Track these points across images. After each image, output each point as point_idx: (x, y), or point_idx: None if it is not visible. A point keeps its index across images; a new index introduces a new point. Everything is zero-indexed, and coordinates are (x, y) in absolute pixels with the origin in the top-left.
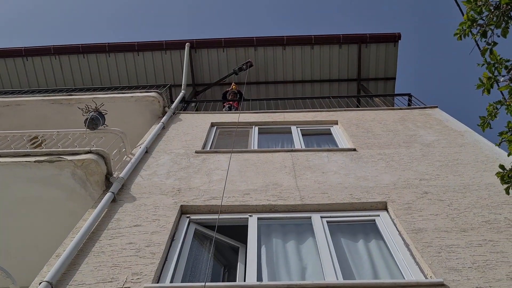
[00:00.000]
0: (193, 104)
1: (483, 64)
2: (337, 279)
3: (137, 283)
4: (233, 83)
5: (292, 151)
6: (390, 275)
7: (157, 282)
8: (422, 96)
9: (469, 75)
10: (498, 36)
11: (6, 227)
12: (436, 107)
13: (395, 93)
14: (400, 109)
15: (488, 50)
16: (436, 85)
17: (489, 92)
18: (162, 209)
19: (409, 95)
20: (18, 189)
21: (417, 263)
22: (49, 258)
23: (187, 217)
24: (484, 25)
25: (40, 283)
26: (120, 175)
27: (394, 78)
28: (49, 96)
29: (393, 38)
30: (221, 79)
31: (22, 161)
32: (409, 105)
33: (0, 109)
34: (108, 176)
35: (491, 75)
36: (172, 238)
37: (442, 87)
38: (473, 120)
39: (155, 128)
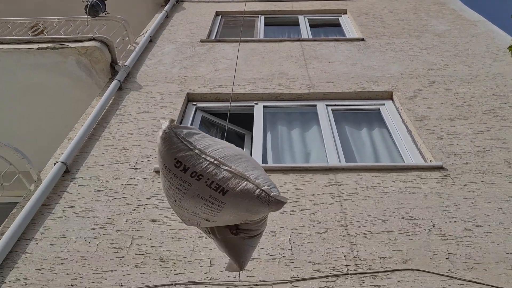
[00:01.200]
0: None
1: None
2: (340, 162)
3: (147, 165)
4: None
5: (299, 40)
6: (391, 159)
7: None
8: None
9: None
10: None
11: (16, 113)
12: None
13: None
14: None
15: None
16: None
17: None
18: (168, 97)
19: None
20: (24, 76)
21: (418, 149)
22: (60, 143)
23: (194, 104)
24: None
25: (55, 163)
26: (125, 64)
27: None
28: None
29: None
30: None
31: (25, 48)
32: None
33: None
34: (113, 64)
35: None
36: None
37: None
38: (488, 9)
39: (158, 16)
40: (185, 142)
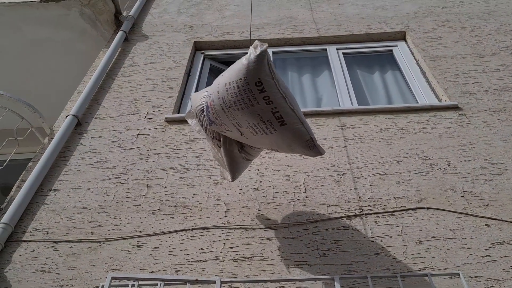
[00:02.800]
0: None
1: None
2: (352, 105)
3: (159, 115)
4: None
5: None
6: (404, 101)
7: (177, 113)
8: None
9: None
10: None
11: (23, 68)
12: None
13: None
14: None
15: None
16: None
17: None
18: (176, 46)
19: None
20: (28, 31)
21: (433, 89)
22: (69, 97)
23: (202, 53)
24: None
25: (67, 116)
26: (130, 14)
27: None
28: None
29: None
30: None
31: (28, 1)
32: None
33: None
34: (118, 15)
35: None
36: (188, 74)
37: None
38: None
39: None
40: (271, 69)
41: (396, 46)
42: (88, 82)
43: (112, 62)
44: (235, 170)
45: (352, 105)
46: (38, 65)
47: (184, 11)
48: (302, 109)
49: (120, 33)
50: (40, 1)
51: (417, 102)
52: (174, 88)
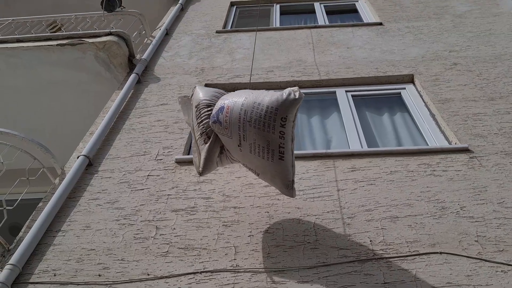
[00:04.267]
0: None
1: None
2: (362, 147)
3: (169, 156)
4: None
5: (315, 27)
6: (414, 143)
7: (188, 154)
8: None
9: None
10: None
11: (39, 108)
12: None
13: None
14: None
15: None
16: None
17: None
18: (186, 88)
19: None
20: (44, 73)
21: (442, 132)
22: (82, 137)
23: None
24: None
25: (78, 157)
26: (143, 57)
27: None
28: None
29: None
30: None
31: (45, 45)
32: None
33: None
34: (131, 58)
35: None
36: None
37: None
38: None
39: (173, 9)
40: (296, 114)
41: (405, 88)
42: (100, 123)
43: (124, 104)
44: (206, 168)
45: (362, 147)
46: (52, 105)
47: (196, 54)
48: (312, 151)
49: (133, 76)
50: (57, 45)
51: (427, 145)
52: (184, 129)
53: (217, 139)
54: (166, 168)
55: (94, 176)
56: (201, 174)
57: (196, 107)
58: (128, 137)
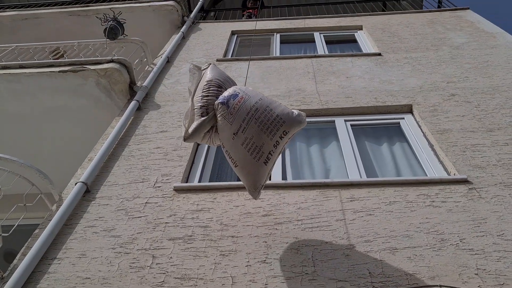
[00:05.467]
0: (212, 14)
1: None
2: (361, 177)
3: (167, 183)
4: None
5: (315, 57)
6: (413, 173)
7: (186, 182)
8: None
9: None
10: None
11: (38, 134)
12: (468, 8)
13: None
14: (429, 11)
15: None
16: None
17: None
18: None
19: None
20: (45, 99)
21: (441, 162)
22: (81, 163)
23: None
24: None
25: (76, 183)
26: (144, 84)
27: None
28: (66, 8)
29: None
30: None
31: (47, 72)
32: (439, 7)
33: (19, 23)
34: (132, 85)
35: None
36: (198, 143)
37: None
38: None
39: (175, 37)
40: (296, 133)
41: (403, 118)
42: (99, 150)
43: (124, 130)
44: (192, 137)
45: (361, 177)
46: (52, 131)
47: None
48: (311, 180)
49: (133, 103)
50: (59, 72)
51: (426, 175)
52: (183, 156)
53: (213, 118)
54: (164, 195)
55: (92, 203)
56: (185, 140)
57: (207, 81)
58: (127, 164)
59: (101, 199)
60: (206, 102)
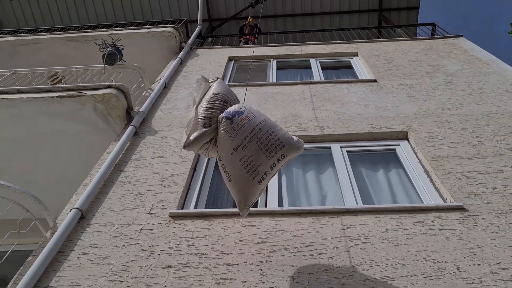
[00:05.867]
0: (209, 40)
1: None
2: (357, 204)
3: (163, 210)
4: (250, 17)
5: (311, 83)
6: (409, 200)
7: (182, 209)
8: (447, 26)
9: (496, 3)
10: None
11: (35, 159)
12: (461, 36)
13: (418, 23)
14: (423, 39)
15: None
16: (461, 14)
17: None
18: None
19: (433, 24)
20: (43, 124)
21: (437, 189)
22: (76, 188)
23: None
24: None
25: (71, 210)
26: (141, 109)
27: (418, 8)
28: (65, 34)
29: None
30: (237, 13)
31: (45, 97)
32: (432, 35)
33: (18, 48)
34: (129, 110)
35: None
36: (194, 168)
37: (468, 16)
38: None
39: (173, 63)
40: (291, 158)
41: (399, 145)
42: (95, 175)
43: (120, 156)
44: (192, 146)
45: (357, 203)
46: (48, 156)
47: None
48: (307, 207)
49: (130, 128)
50: (56, 97)
51: (422, 202)
52: (179, 182)
53: (214, 131)
54: (160, 222)
55: (86, 229)
56: (185, 147)
57: (214, 94)
58: (123, 189)
59: (96, 225)
60: (210, 114)
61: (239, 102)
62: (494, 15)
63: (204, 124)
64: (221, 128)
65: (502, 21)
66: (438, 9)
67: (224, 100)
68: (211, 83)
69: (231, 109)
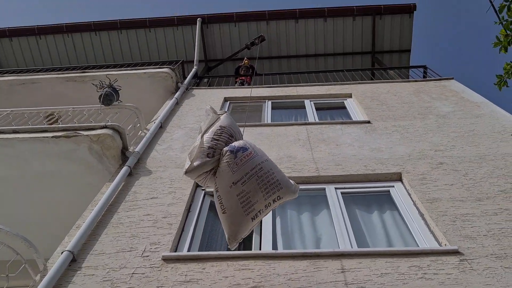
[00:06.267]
0: (205, 80)
1: (500, 22)
2: (352, 247)
3: (156, 252)
4: (245, 58)
5: (306, 124)
6: (404, 243)
7: (175, 251)
8: (438, 68)
9: (485, 47)
10: None
11: (27, 199)
12: (452, 78)
13: (410, 65)
14: (415, 81)
15: (506, 7)
16: (452, 57)
17: (506, 50)
18: (177, 182)
19: (425, 67)
20: (37, 164)
21: (432, 232)
22: (69, 229)
23: (202, 189)
24: None
25: (62, 252)
26: (136, 150)
27: (409, 50)
28: (63, 73)
29: (408, 9)
30: (233, 54)
31: (40, 137)
32: (424, 77)
33: (16, 87)
34: (124, 150)
35: (508, 32)
36: (188, 210)
37: (459, 59)
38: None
39: (169, 103)
40: (285, 201)
41: (393, 186)
42: (88, 217)
43: (114, 197)
44: (192, 172)
45: (352, 247)
46: (41, 196)
47: (188, 147)
48: (301, 250)
49: (124, 168)
50: (52, 137)
51: (417, 245)
52: (173, 224)
53: (216, 162)
54: (152, 265)
55: (77, 273)
56: (186, 173)
57: (221, 127)
58: (115, 231)
59: (87, 268)
60: (215, 144)
61: (243, 139)
62: (485, 57)
63: (207, 154)
64: (224, 161)
65: (492, 63)
66: (430, 52)
67: (230, 134)
68: (219, 115)
69: (236, 144)
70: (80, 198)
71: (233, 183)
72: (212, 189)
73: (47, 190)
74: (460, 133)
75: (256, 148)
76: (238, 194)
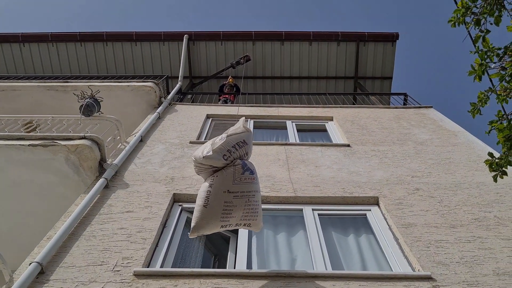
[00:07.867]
0: (189, 96)
1: (476, 52)
2: (326, 269)
3: (127, 267)
4: (230, 77)
5: (286, 144)
6: (378, 267)
7: (147, 267)
8: (418, 96)
9: (465, 78)
10: (491, 24)
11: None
12: (431, 107)
13: (391, 92)
14: (396, 107)
15: (481, 37)
16: (431, 85)
17: (480, 78)
18: (154, 197)
19: (405, 94)
20: (11, 172)
21: (406, 257)
22: (40, 240)
23: (180, 205)
24: (478, 13)
25: (30, 263)
26: (114, 162)
27: (391, 78)
28: (45, 82)
29: (391, 38)
30: (218, 72)
31: (16, 144)
32: (404, 104)
33: None
34: (102, 162)
35: (482, 61)
36: (164, 225)
37: (438, 88)
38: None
39: (151, 117)
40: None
41: (370, 210)
42: (60, 228)
43: (88, 209)
44: (209, 159)
45: (326, 268)
46: (14, 206)
47: (167, 163)
48: (275, 270)
49: (101, 180)
50: (28, 145)
51: (391, 270)
52: (147, 239)
53: (225, 165)
54: (123, 280)
55: (44, 285)
56: (203, 157)
57: (243, 141)
58: (87, 244)
59: (55, 281)
60: (233, 152)
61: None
62: (464, 84)
63: (224, 155)
64: (232, 168)
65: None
66: (410, 80)
67: (246, 152)
68: (246, 132)
69: (248, 163)
70: (53, 209)
71: (228, 190)
72: (191, 205)
73: (20, 199)
74: (437, 161)
75: (257, 177)
76: (226, 202)
